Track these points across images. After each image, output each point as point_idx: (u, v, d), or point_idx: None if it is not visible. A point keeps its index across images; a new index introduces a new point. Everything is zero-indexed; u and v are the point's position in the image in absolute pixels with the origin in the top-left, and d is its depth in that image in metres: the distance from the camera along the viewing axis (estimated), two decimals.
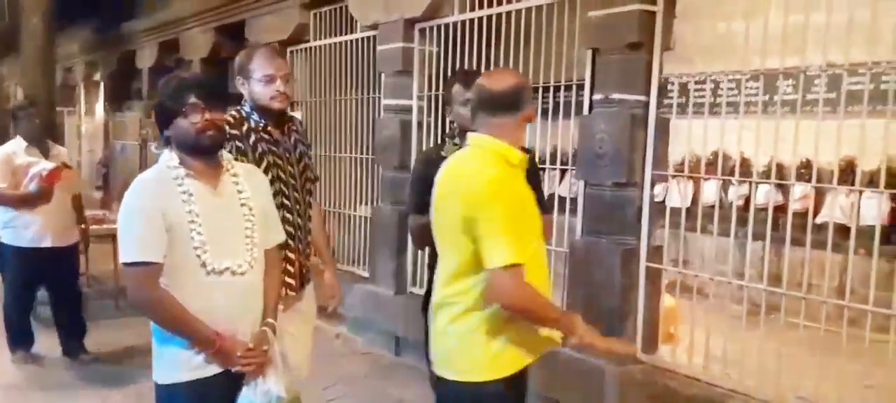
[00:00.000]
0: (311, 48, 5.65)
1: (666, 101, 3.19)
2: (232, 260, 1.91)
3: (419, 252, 4.29)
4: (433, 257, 2.50)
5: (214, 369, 1.90)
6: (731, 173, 3.45)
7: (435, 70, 4.47)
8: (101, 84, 11.70)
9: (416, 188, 2.43)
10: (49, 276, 4.17)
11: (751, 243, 2.96)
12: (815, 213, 3.84)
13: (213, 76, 7.11)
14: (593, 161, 3.27)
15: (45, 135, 4.11)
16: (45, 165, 3.91)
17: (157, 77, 8.96)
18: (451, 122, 2.46)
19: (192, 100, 1.86)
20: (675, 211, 3.84)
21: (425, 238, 2.38)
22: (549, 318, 1.91)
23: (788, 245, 2.87)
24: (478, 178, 1.83)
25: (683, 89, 3.24)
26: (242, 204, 1.98)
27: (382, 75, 4.79)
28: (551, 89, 3.70)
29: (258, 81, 2.35)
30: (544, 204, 2.43)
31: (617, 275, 3.21)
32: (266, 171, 2.33)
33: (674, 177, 3.46)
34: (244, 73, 2.39)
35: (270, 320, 2.03)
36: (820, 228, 3.72)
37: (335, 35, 5.35)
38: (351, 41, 5.15)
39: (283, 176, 2.42)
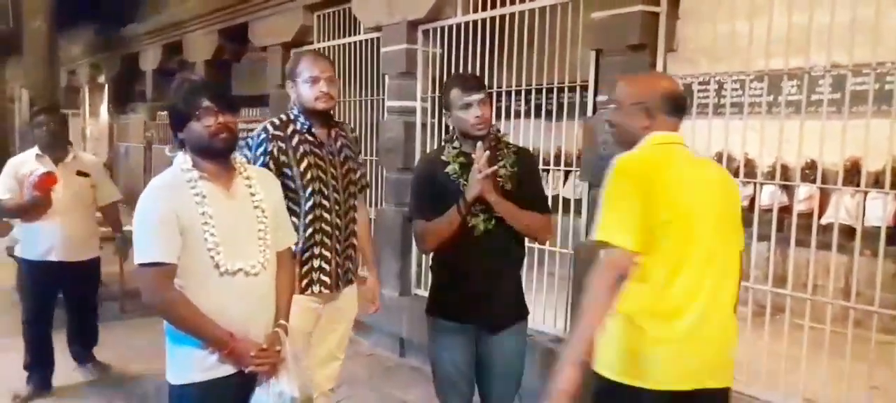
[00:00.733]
0: (314, 50, 5.66)
1: None
2: (245, 261, 1.92)
3: (423, 255, 4.30)
4: (435, 259, 2.49)
5: (228, 369, 1.92)
6: (736, 174, 3.45)
7: (438, 72, 4.48)
8: (106, 86, 11.73)
9: (417, 191, 2.43)
10: (65, 290, 4.00)
11: (756, 244, 2.96)
12: (820, 214, 3.86)
13: (219, 78, 7.16)
14: (597, 162, 3.28)
15: (59, 141, 3.96)
16: (38, 171, 3.69)
17: (160, 79, 9.00)
18: (451, 127, 2.43)
19: (206, 103, 1.88)
20: None
21: (430, 241, 2.40)
22: None
23: (793, 246, 2.88)
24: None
25: (687, 90, 3.24)
26: (255, 206, 2.00)
27: (386, 77, 4.80)
28: (555, 91, 3.71)
29: (304, 83, 2.45)
30: (544, 205, 2.43)
31: None
32: (306, 171, 2.42)
33: None
34: (292, 77, 2.50)
35: (283, 321, 2.04)
36: (825, 229, 3.75)
37: (339, 37, 5.37)
38: (354, 43, 5.16)
39: (323, 176, 2.48)
